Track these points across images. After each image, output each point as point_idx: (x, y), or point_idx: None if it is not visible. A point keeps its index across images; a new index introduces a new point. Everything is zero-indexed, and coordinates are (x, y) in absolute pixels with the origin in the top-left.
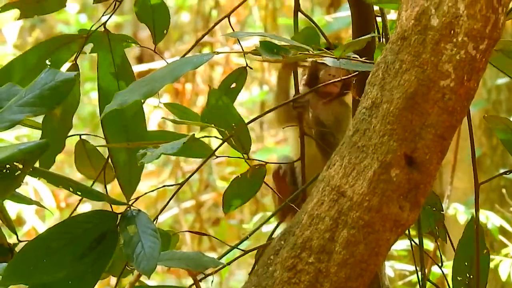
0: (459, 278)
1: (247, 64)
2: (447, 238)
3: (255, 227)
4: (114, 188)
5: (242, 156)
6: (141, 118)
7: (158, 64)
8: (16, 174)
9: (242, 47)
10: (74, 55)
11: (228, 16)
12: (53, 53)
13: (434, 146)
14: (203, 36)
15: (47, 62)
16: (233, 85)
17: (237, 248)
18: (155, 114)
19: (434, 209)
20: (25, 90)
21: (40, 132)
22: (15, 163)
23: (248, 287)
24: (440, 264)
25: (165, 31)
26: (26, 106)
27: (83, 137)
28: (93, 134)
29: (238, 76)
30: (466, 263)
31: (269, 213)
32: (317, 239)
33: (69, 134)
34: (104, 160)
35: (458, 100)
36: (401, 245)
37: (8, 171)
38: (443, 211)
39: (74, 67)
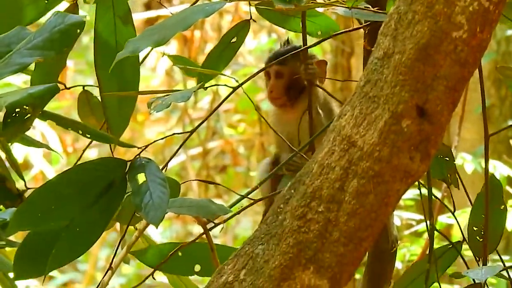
0: (475, 228)
1: (251, 17)
2: (459, 183)
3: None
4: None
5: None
6: (135, 64)
7: (167, 11)
8: (25, 117)
9: None
10: None
11: None
12: None
13: (446, 98)
14: None
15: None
16: (234, 39)
17: (247, 197)
18: (163, 61)
19: (447, 158)
20: (34, 34)
21: None
22: (24, 107)
23: (257, 235)
24: (452, 211)
25: None
26: (35, 50)
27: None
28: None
29: (241, 29)
30: (483, 215)
31: None
32: (327, 189)
33: (74, 85)
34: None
35: (470, 52)
36: (408, 194)
37: (17, 115)
38: (454, 160)
39: (74, 7)
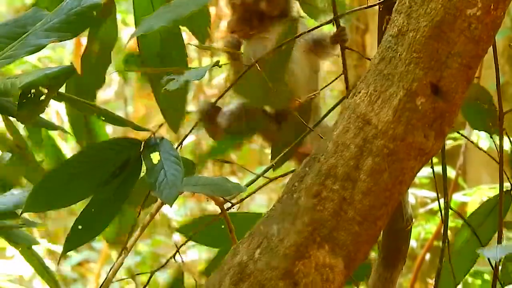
0: None
1: None
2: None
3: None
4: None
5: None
6: (180, 43)
7: None
8: (41, 99)
9: None
10: None
11: None
12: None
13: (460, 75)
14: None
15: None
16: None
17: (263, 176)
18: None
19: (487, 106)
20: (50, 15)
21: (61, 54)
22: (40, 88)
23: (272, 214)
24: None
25: None
26: (51, 31)
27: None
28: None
29: None
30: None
31: None
32: (341, 167)
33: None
34: None
35: (485, 29)
36: (423, 172)
37: (33, 96)
38: (495, 108)
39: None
